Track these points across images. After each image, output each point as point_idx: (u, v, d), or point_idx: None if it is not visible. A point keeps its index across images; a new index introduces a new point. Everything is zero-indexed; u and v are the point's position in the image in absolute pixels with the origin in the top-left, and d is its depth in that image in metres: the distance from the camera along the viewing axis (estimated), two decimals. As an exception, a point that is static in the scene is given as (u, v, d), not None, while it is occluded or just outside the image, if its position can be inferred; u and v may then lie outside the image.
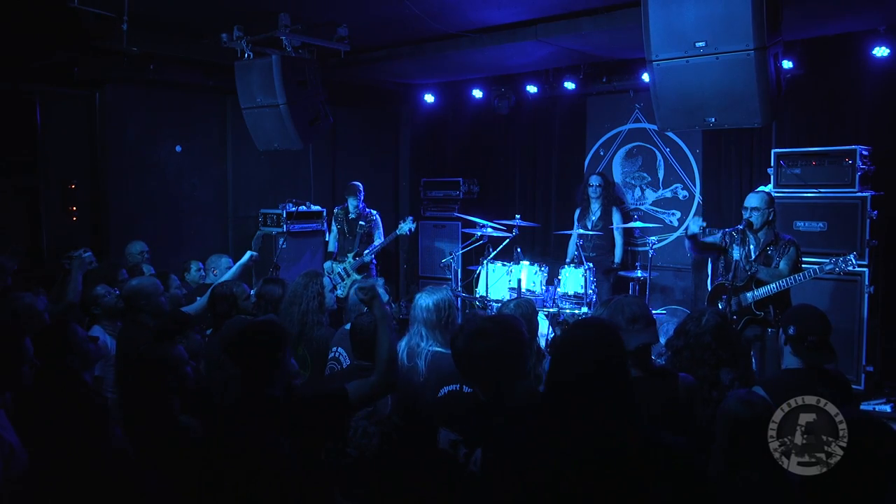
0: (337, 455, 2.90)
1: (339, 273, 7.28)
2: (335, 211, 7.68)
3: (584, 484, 1.80)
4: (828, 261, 4.56)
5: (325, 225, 7.98)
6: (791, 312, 3.28)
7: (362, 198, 7.46)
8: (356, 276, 7.16)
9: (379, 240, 7.44)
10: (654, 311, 3.39)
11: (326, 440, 2.75)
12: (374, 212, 7.56)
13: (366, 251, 7.31)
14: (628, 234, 7.77)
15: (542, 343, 4.63)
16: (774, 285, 4.55)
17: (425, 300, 3.53)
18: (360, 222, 7.41)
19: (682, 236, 7.74)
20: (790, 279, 4.53)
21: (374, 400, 2.82)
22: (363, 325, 3.38)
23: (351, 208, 7.44)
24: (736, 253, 4.83)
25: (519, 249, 7.08)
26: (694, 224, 5.00)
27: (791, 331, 3.08)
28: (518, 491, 1.87)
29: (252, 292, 4.57)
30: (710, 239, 5.04)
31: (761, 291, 4.63)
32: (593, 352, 1.92)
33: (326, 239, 7.86)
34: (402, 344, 3.51)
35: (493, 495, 1.98)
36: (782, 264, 4.68)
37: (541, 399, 1.95)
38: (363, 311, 3.87)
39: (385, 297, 4.16)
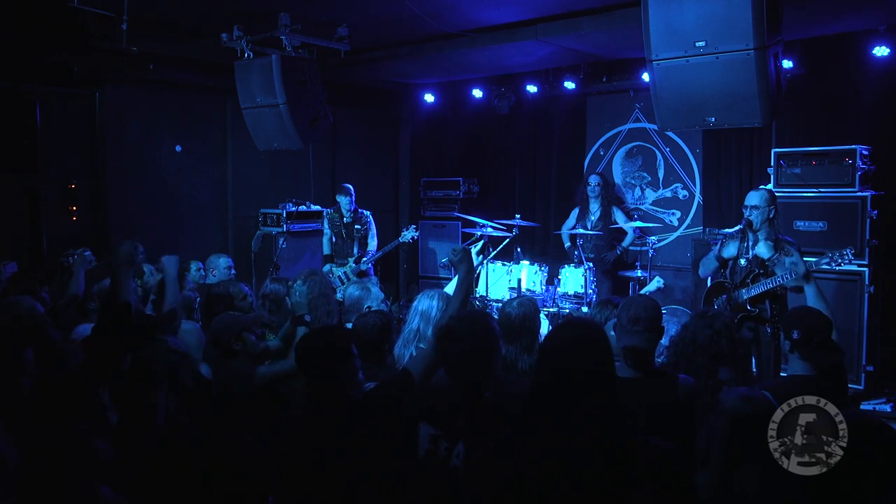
0: None
1: (339, 276, 7.28)
2: (328, 213, 7.65)
3: (570, 485, 1.79)
4: (823, 256, 4.47)
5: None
6: (791, 317, 3.22)
7: (354, 199, 7.46)
8: (354, 279, 7.17)
9: (373, 240, 7.44)
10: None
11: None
12: (367, 213, 7.54)
13: (364, 259, 7.30)
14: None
15: (543, 343, 4.62)
16: (770, 281, 4.53)
17: (427, 303, 3.54)
18: (356, 226, 7.40)
19: (682, 236, 7.78)
20: (787, 275, 4.47)
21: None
22: (367, 326, 3.37)
23: (344, 210, 7.43)
24: (734, 251, 4.82)
25: (519, 249, 7.08)
26: (732, 248, 4.86)
27: (795, 335, 3.02)
28: (505, 491, 1.87)
29: (248, 291, 4.58)
30: (728, 254, 4.93)
31: (756, 288, 4.61)
32: (577, 353, 1.90)
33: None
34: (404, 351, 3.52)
35: (481, 492, 1.97)
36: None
37: (527, 399, 1.93)
38: (363, 310, 3.88)
39: (380, 296, 4.16)
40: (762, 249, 4.61)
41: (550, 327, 6.09)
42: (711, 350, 3.07)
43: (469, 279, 2.87)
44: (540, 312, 3.66)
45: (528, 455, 1.85)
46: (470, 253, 2.91)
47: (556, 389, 1.87)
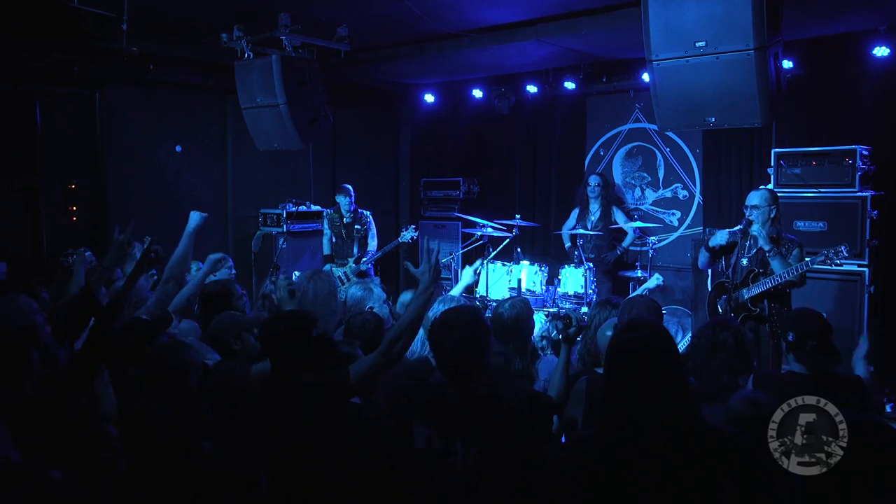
0: None
1: (339, 277, 7.29)
2: (328, 213, 7.65)
3: (653, 474, 1.84)
4: (818, 255, 4.44)
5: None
6: (788, 318, 3.27)
7: (353, 199, 7.46)
8: (355, 280, 7.18)
9: (373, 240, 7.45)
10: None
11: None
12: (367, 213, 7.55)
13: (364, 259, 7.31)
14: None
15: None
16: (769, 280, 4.53)
17: (437, 308, 3.56)
18: (356, 226, 7.41)
19: (682, 236, 7.78)
20: (784, 274, 4.47)
21: (373, 376, 2.79)
22: (365, 324, 3.39)
23: (343, 210, 7.43)
24: (721, 239, 4.81)
25: (519, 249, 7.08)
26: (720, 237, 4.85)
27: (790, 337, 3.07)
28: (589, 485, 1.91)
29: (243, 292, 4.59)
30: (714, 242, 4.93)
31: (756, 288, 4.60)
32: (648, 352, 1.94)
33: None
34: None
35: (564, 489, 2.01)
36: (791, 261, 4.62)
37: (603, 396, 1.99)
38: (362, 310, 3.90)
39: (382, 297, 4.17)
40: (763, 242, 4.59)
41: (549, 327, 6.10)
42: (728, 356, 3.08)
43: (428, 293, 2.77)
44: (533, 314, 3.65)
45: (609, 449, 1.91)
46: (437, 270, 2.80)
47: (631, 388, 1.92)
